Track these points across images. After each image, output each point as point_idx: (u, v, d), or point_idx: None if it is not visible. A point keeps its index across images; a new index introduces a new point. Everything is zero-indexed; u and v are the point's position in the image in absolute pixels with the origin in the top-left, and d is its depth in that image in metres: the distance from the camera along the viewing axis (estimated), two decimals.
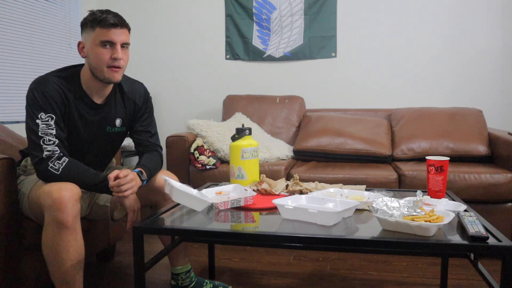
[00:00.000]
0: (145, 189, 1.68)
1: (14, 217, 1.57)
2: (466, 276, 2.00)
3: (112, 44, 1.52)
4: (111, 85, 1.65)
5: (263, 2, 3.32)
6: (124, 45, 1.56)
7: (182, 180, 1.76)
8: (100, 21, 1.50)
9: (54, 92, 1.51)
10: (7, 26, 2.74)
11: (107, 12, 1.53)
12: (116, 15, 1.54)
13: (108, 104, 1.66)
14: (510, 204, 2.25)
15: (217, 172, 2.56)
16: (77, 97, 1.57)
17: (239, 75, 3.43)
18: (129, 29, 1.59)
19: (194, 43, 3.50)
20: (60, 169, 1.47)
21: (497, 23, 3.03)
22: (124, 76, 1.70)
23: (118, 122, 1.70)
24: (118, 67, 1.54)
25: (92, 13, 1.53)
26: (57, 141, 1.49)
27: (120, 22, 1.53)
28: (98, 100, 1.63)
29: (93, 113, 1.62)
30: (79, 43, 1.58)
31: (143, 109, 1.76)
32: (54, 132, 1.49)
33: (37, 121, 1.48)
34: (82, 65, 1.63)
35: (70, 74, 1.59)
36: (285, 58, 3.34)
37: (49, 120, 1.49)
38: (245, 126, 1.88)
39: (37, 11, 2.97)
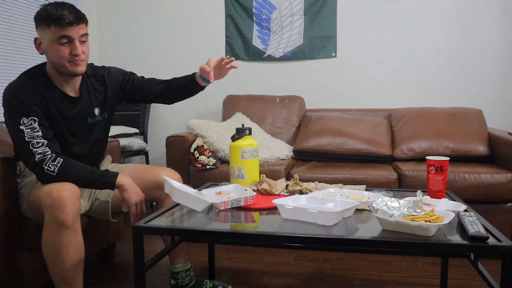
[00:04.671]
0: (149, 184, 1.69)
1: (14, 217, 1.57)
2: (466, 276, 2.00)
3: (70, 39, 1.48)
4: (79, 77, 1.62)
5: (263, 2, 3.32)
6: (83, 39, 1.52)
7: (182, 180, 1.76)
8: (55, 20, 1.44)
9: (30, 95, 1.49)
10: (7, 26, 2.75)
11: (62, 7, 1.46)
12: (71, 10, 1.47)
13: (82, 96, 1.64)
14: (510, 204, 2.25)
15: (217, 172, 2.56)
16: (52, 94, 1.56)
17: (239, 75, 3.43)
18: (86, 22, 1.54)
19: (194, 43, 3.50)
20: (56, 170, 1.46)
21: (497, 23, 3.03)
22: (89, 65, 1.68)
23: (96, 111, 1.69)
24: (81, 60, 1.52)
25: (45, 9, 1.47)
26: (46, 142, 1.48)
27: (76, 20, 1.47)
28: (71, 93, 1.61)
29: (71, 107, 1.61)
30: (35, 40, 1.54)
31: (122, 80, 1.76)
32: (40, 133, 1.47)
33: (21, 127, 1.46)
34: (45, 62, 1.60)
35: (37, 73, 1.57)
36: (285, 58, 3.34)
37: (33, 123, 1.47)
38: (245, 126, 1.88)
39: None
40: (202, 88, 1.77)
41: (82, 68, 1.55)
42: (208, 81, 1.71)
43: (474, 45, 3.07)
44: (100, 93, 1.71)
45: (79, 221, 1.46)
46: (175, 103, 1.88)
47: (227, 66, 1.69)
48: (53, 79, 1.58)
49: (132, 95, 1.79)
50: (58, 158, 1.48)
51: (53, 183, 1.45)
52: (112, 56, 3.64)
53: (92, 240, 1.90)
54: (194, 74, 1.76)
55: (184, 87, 1.78)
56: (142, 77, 1.83)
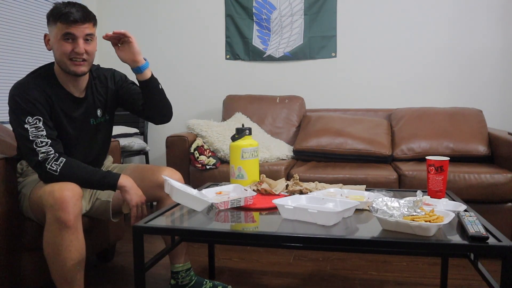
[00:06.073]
0: (150, 184, 1.69)
1: (14, 217, 1.57)
2: (466, 276, 2.00)
3: (74, 37, 1.49)
4: (84, 78, 1.63)
5: (263, 2, 3.32)
6: (88, 38, 1.53)
7: (183, 180, 1.76)
8: (61, 16, 1.46)
9: (36, 94, 1.50)
10: (7, 26, 2.75)
11: (71, 5, 1.49)
12: (79, 9, 1.49)
13: (87, 97, 1.66)
14: (510, 204, 2.25)
15: (217, 172, 2.56)
16: (58, 94, 1.57)
17: (239, 75, 3.44)
18: (94, 22, 1.55)
19: (194, 43, 3.50)
20: (58, 170, 1.46)
21: (497, 23, 3.03)
22: (95, 66, 1.69)
23: (99, 112, 1.70)
24: (82, 60, 1.52)
25: (55, 7, 1.49)
26: (50, 141, 1.48)
27: (82, 18, 1.48)
28: (77, 94, 1.62)
29: (75, 108, 1.62)
30: (45, 36, 1.56)
31: (120, 85, 1.75)
32: (44, 133, 1.48)
33: (26, 126, 1.47)
34: (53, 62, 1.61)
35: (45, 72, 1.58)
36: (285, 58, 3.34)
37: (37, 123, 1.48)
38: (245, 126, 1.88)
39: (37, 11, 2.97)
40: (146, 82, 1.64)
41: (83, 69, 1.55)
42: (138, 70, 1.61)
43: (474, 45, 3.07)
44: (102, 94, 1.71)
45: (80, 221, 1.46)
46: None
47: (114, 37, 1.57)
48: (60, 78, 1.59)
49: (123, 102, 1.76)
50: (61, 158, 1.48)
51: (55, 183, 1.45)
52: (112, 56, 3.61)
53: (92, 240, 1.90)
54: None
55: (143, 94, 1.70)
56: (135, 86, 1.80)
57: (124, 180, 1.56)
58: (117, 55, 1.63)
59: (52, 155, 1.47)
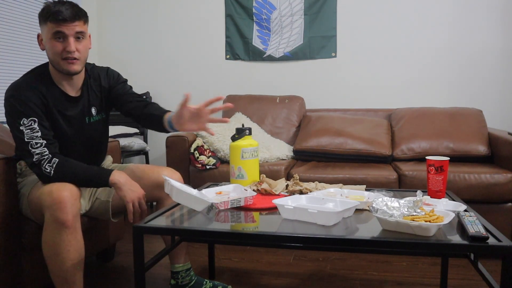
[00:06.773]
0: (150, 184, 1.68)
1: (14, 217, 1.57)
2: (466, 276, 2.00)
3: (64, 36, 1.49)
4: (80, 77, 1.62)
5: (263, 2, 3.32)
6: (79, 36, 1.52)
7: (182, 180, 1.76)
8: (50, 16, 1.46)
9: (30, 95, 1.49)
10: (7, 26, 2.75)
11: (60, 3, 1.48)
12: (68, 7, 1.48)
13: (83, 96, 1.65)
14: (510, 204, 2.25)
15: (217, 172, 2.56)
16: (53, 93, 1.56)
17: (239, 75, 3.44)
18: (85, 19, 1.53)
19: (194, 43, 3.50)
20: (52, 171, 1.46)
21: (497, 23, 3.03)
22: (90, 65, 1.69)
23: (93, 110, 1.69)
24: (74, 59, 1.51)
25: (46, 6, 1.49)
26: (45, 142, 1.48)
27: (71, 17, 1.47)
28: (72, 93, 1.62)
29: (71, 107, 1.61)
30: (38, 36, 1.56)
31: (113, 84, 1.74)
32: (39, 134, 1.48)
33: (21, 127, 1.46)
34: (48, 62, 1.60)
35: (40, 72, 1.58)
36: (285, 58, 3.34)
37: (32, 124, 1.47)
38: (245, 126, 1.88)
39: (37, 11, 2.97)
40: (166, 131, 1.64)
41: (76, 67, 1.54)
42: (174, 129, 1.57)
43: (474, 45, 3.07)
44: (97, 93, 1.71)
45: (79, 221, 1.46)
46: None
47: (210, 108, 1.50)
48: (54, 78, 1.58)
49: (114, 101, 1.75)
50: (54, 159, 1.47)
51: (53, 183, 1.45)
52: (112, 56, 3.64)
53: (92, 240, 1.90)
54: (164, 113, 1.62)
55: (150, 122, 1.67)
56: (131, 87, 1.79)
57: (116, 177, 1.52)
58: (186, 128, 1.53)
59: (46, 156, 1.46)
